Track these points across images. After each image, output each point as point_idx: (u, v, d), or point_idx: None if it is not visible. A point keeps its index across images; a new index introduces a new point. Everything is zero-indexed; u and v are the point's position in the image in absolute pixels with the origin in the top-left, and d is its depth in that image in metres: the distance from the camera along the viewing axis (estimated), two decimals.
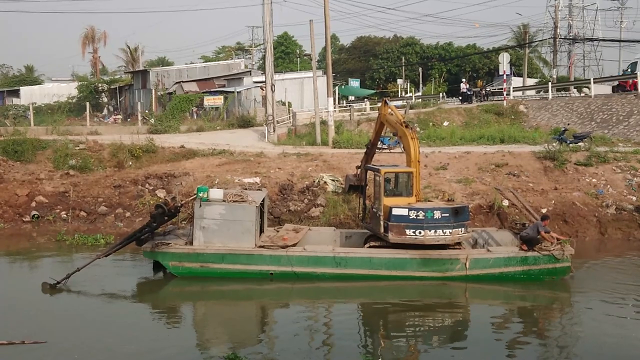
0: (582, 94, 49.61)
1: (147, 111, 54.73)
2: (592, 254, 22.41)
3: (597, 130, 37.17)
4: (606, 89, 51.34)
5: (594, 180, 26.58)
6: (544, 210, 24.34)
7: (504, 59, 47.76)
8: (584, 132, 32.48)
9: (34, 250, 23.63)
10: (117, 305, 17.46)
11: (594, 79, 49.97)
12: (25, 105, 61.28)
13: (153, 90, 62.54)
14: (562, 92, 52.53)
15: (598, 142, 31.27)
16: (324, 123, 38.46)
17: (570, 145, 29.69)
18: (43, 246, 23.94)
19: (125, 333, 15.09)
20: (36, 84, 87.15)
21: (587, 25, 77.78)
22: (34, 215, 27.07)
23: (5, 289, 18.85)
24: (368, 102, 57.10)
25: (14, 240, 25.14)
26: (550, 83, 51.88)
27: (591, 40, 74.38)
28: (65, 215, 27.14)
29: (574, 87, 54.99)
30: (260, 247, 19.15)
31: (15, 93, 79.77)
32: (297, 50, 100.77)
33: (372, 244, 19.71)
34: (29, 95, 75.35)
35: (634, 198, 25.60)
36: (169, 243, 19.28)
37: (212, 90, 59.26)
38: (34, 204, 27.62)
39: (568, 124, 37.65)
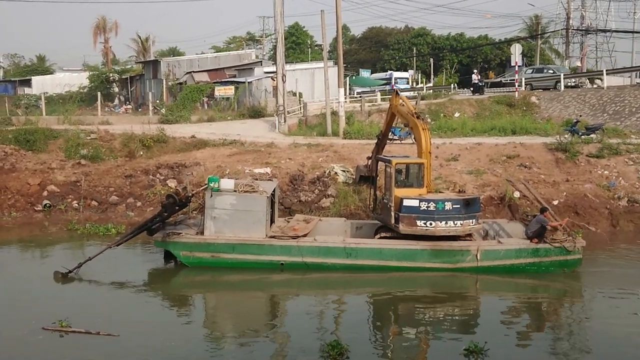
0: (595, 86, 49.29)
1: (158, 101, 54.72)
2: (604, 246, 22.31)
3: (610, 122, 36.94)
4: (619, 80, 51.03)
5: (605, 172, 26.45)
6: (555, 202, 24.29)
7: (516, 50, 47.43)
8: (596, 124, 32.28)
9: (46, 239, 23.76)
10: (129, 295, 17.55)
11: (606, 70, 49.68)
12: (37, 95, 61.48)
13: (164, 80, 62.54)
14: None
15: (610, 133, 31.09)
16: (334, 114, 38.39)
17: (582, 136, 29.52)
18: (55, 235, 24.08)
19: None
20: (48, 74, 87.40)
21: (600, 16, 76.89)
22: (45, 205, 27.21)
23: (17, 277, 19.00)
24: (379, 93, 56.90)
25: (26, 229, 25.27)
26: (562, 74, 51.58)
27: (604, 31, 73.70)
28: (76, 205, 27.26)
29: (587, 79, 54.65)
30: (270, 237, 19.20)
31: (27, 83, 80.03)
32: (308, 41, 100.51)
33: (383, 234, 19.70)
34: (40, 84, 75.59)
35: None
36: (180, 233, 19.35)
37: (223, 80, 59.18)
38: (45, 193, 27.77)
39: (580, 116, 37.43)
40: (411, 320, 16.08)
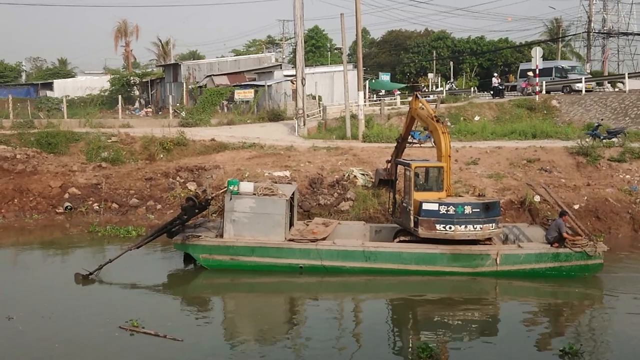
0: (616, 89, 48.89)
1: (178, 104, 55.10)
2: (625, 251, 22.11)
3: (631, 125, 36.62)
4: None
5: (627, 176, 26.21)
6: (576, 207, 24.09)
7: (537, 54, 47.15)
8: (617, 128, 31.98)
9: (67, 241, 23.96)
10: (154, 297, 17.66)
11: (628, 73, 49.28)
12: (58, 98, 61.98)
13: (184, 84, 62.93)
14: (595, 87, 51.79)
15: (632, 137, 30.80)
16: (354, 117, 38.38)
17: (604, 140, 29.28)
18: (75, 237, 24.27)
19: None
20: (69, 77, 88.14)
21: (621, 19, 76.53)
22: (66, 207, 27.45)
23: (38, 279, 19.17)
24: (399, 96, 56.81)
25: (47, 231, 25.52)
26: (583, 78, 51.18)
27: (626, 34, 73.23)
28: (97, 207, 27.48)
29: (608, 82, 54.23)
30: (289, 240, 19.20)
31: (49, 86, 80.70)
32: (328, 44, 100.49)
33: (402, 238, 19.65)
34: (62, 88, 76.13)
35: None
36: (200, 236, 19.41)
37: (242, 83, 59.40)
38: (67, 195, 28.01)
39: (601, 119, 37.10)
40: (429, 324, 16.01)
